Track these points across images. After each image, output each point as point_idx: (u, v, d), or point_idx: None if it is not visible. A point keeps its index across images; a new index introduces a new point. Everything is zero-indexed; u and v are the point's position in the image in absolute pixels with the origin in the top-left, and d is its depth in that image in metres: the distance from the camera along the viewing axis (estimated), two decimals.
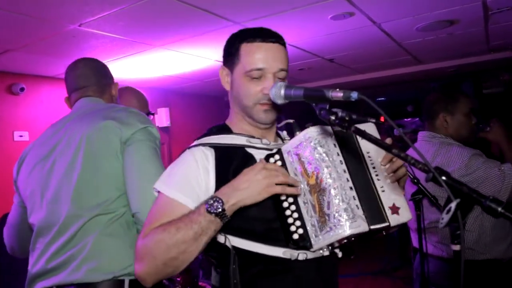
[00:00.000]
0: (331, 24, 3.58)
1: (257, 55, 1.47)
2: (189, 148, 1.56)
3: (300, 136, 1.41)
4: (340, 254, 1.54)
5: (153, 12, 2.99)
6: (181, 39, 3.67)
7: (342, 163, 1.37)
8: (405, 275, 5.52)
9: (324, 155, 1.36)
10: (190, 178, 1.46)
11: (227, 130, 1.59)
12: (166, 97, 6.09)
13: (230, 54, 1.55)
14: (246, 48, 1.50)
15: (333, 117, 1.16)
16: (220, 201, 1.32)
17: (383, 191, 1.40)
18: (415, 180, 2.21)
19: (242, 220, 1.42)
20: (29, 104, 4.57)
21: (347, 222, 1.29)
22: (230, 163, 1.47)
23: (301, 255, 1.42)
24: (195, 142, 1.58)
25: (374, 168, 1.44)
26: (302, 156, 1.39)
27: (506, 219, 0.96)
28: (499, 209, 0.96)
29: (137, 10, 2.89)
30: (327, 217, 1.32)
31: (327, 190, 1.33)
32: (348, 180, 1.35)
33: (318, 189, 1.35)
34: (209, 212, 1.31)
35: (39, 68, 4.33)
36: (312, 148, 1.38)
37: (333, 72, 5.88)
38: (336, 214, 1.30)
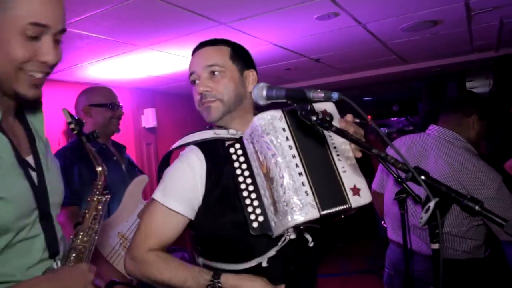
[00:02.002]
0: (317, 24, 3.59)
1: (190, 64, 1.69)
2: (182, 153, 1.63)
3: (251, 124, 1.46)
4: (311, 243, 1.60)
5: (138, 13, 2.98)
6: (166, 40, 3.66)
7: (291, 148, 1.38)
8: None
9: (270, 143, 1.38)
10: (187, 188, 1.52)
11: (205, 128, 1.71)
12: (153, 97, 6.07)
13: None
14: None
15: (314, 118, 1.17)
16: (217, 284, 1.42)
17: (344, 171, 1.41)
18: (399, 180, 2.23)
19: (218, 227, 1.51)
20: None
21: (294, 211, 1.31)
22: (219, 168, 1.53)
23: (271, 252, 1.48)
24: (179, 142, 1.66)
25: (335, 148, 1.44)
26: (255, 145, 1.43)
27: (483, 217, 0.97)
28: (476, 207, 0.98)
29: (122, 10, 2.88)
30: (277, 206, 1.35)
31: (274, 179, 1.36)
32: (297, 166, 1.36)
33: (268, 178, 1.38)
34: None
35: None
36: (259, 136, 1.41)
37: (319, 72, 5.90)
38: (283, 203, 1.33)
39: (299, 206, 1.31)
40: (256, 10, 3.13)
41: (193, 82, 1.65)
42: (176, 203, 1.51)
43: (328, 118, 1.17)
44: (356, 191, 1.39)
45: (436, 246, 1.06)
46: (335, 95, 1.12)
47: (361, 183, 1.42)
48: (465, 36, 4.46)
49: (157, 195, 1.55)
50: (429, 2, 3.28)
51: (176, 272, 1.46)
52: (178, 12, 3.01)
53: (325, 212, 1.33)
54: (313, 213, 1.31)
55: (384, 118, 8.75)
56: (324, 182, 1.38)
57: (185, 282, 1.43)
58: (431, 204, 1.00)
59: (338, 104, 1.17)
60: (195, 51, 1.71)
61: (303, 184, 1.34)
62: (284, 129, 1.40)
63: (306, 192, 1.33)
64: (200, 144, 1.59)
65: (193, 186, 1.52)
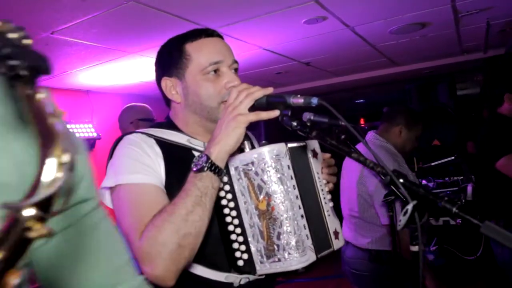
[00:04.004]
0: (305, 28, 3.61)
1: (208, 49, 1.39)
2: (125, 136, 1.41)
3: (252, 154, 1.29)
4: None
5: (127, 19, 2.98)
6: (155, 46, 3.62)
7: (295, 188, 1.28)
8: None
9: (278, 181, 1.25)
10: (141, 160, 1.31)
11: (173, 127, 1.49)
12: (145, 103, 6.06)
13: (173, 60, 1.44)
14: (194, 46, 1.40)
15: (294, 123, 1.17)
16: (204, 155, 1.22)
17: (328, 215, 1.39)
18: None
19: None
20: None
21: (296, 256, 1.24)
22: (180, 163, 1.33)
23: (244, 279, 1.38)
24: (144, 131, 1.44)
25: (322, 190, 1.41)
26: (252, 177, 1.27)
27: (461, 219, 0.98)
28: (454, 209, 0.99)
29: (110, 17, 2.88)
30: (276, 247, 1.25)
31: (278, 220, 1.25)
32: (300, 208, 1.28)
33: (268, 217, 1.26)
34: (198, 170, 1.20)
35: None
36: (265, 170, 1.26)
37: (310, 76, 5.91)
38: (286, 247, 1.24)
39: (301, 252, 1.24)
40: (245, 15, 3.14)
41: (213, 72, 1.37)
42: (140, 175, 1.27)
43: (308, 124, 1.17)
44: (336, 234, 1.39)
45: (415, 248, 1.06)
46: (314, 100, 1.12)
47: (338, 226, 1.43)
48: (453, 38, 4.50)
49: (116, 179, 1.27)
50: (416, 5, 3.31)
51: (174, 200, 1.22)
52: (167, 18, 3.01)
53: (320, 255, 1.30)
54: (312, 258, 1.26)
55: (376, 120, 8.76)
56: (317, 225, 1.34)
57: (188, 193, 1.20)
58: (409, 206, 1.00)
59: (320, 108, 1.16)
60: (208, 35, 1.42)
61: (304, 227, 1.27)
62: (289, 167, 1.29)
63: (307, 235, 1.27)
64: (161, 141, 1.38)
65: (145, 158, 1.30)
